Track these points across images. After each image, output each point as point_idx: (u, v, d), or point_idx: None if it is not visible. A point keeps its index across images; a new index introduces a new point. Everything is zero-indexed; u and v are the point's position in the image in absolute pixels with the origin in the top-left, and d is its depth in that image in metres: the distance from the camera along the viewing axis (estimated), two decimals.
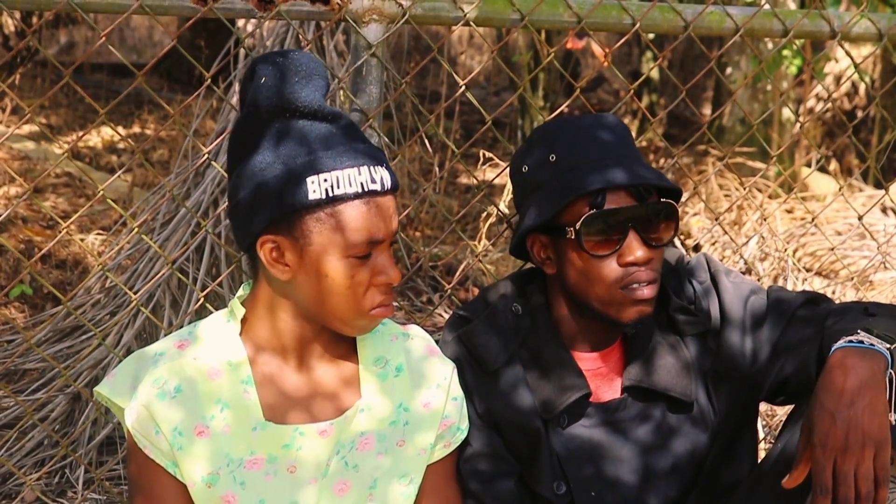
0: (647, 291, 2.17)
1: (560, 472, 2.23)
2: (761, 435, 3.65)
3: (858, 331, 2.00)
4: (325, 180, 1.89)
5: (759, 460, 2.33)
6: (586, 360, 2.27)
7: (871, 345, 1.96)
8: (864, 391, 1.90)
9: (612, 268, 2.16)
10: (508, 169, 2.35)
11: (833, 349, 1.99)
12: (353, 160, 1.92)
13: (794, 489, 1.96)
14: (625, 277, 2.16)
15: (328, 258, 1.92)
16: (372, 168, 1.93)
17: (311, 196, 1.89)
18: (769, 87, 7.83)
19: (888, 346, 1.96)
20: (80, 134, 2.50)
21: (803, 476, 1.94)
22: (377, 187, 1.93)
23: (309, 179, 1.89)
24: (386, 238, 1.96)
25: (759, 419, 3.70)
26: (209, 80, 2.59)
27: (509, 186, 5.13)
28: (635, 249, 2.15)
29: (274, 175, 1.90)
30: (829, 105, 8.41)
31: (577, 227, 2.15)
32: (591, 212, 2.13)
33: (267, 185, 1.91)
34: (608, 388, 2.28)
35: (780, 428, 3.71)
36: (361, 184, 1.91)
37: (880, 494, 1.88)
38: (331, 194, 1.90)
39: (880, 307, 2.16)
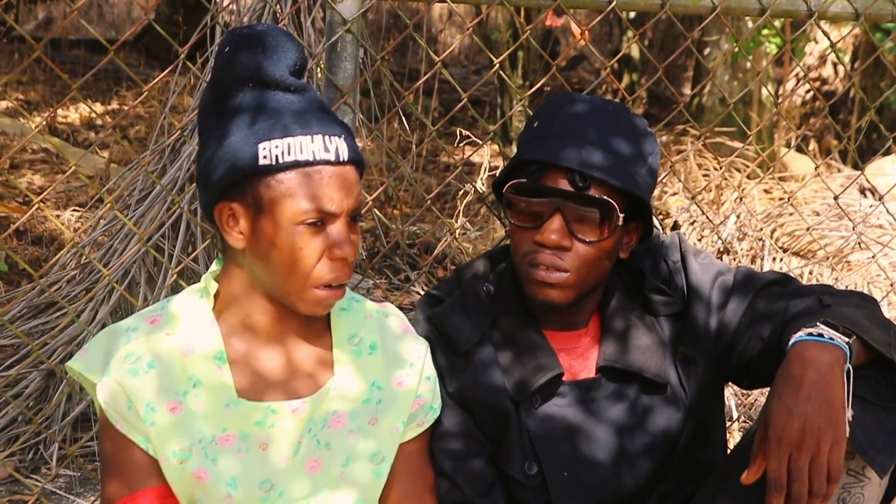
0: (543, 274, 2.15)
1: (532, 453, 2.22)
2: (735, 415, 3.66)
3: (818, 323, 1.99)
4: (277, 146, 1.89)
5: (734, 444, 2.33)
6: (560, 339, 2.27)
7: (831, 338, 1.95)
8: (822, 385, 1.89)
9: (524, 239, 2.17)
10: None
11: (792, 341, 1.98)
12: (307, 129, 1.91)
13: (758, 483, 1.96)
14: (529, 253, 2.16)
15: (277, 225, 1.91)
16: (327, 138, 1.93)
17: (262, 161, 1.89)
18: (749, 67, 7.83)
19: (847, 339, 1.96)
20: (53, 109, 2.48)
21: (761, 471, 1.92)
22: (330, 157, 1.92)
23: (261, 146, 1.89)
24: (340, 211, 1.94)
25: (734, 399, 3.73)
26: (184, 56, 2.57)
27: (486, 165, 5.14)
28: (549, 232, 2.13)
29: (227, 141, 1.91)
30: (808, 85, 8.41)
31: (504, 190, 2.19)
32: (520, 180, 2.16)
33: (223, 152, 1.91)
34: (582, 367, 2.28)
35: (755, 409, 3.72)
36: (313, 152, 1.91)
37: (830, 490, 1.87)
38: (280, 161, 1.89)
39: (836, 296, 2.16)
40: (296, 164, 1.90)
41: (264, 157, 1.89)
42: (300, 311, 2.01)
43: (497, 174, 2.22)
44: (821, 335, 1.96)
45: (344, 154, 1.94)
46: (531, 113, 2.30)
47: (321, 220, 1.93)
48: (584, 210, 2.13)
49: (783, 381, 1.93)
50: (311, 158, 1.90)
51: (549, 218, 2.13)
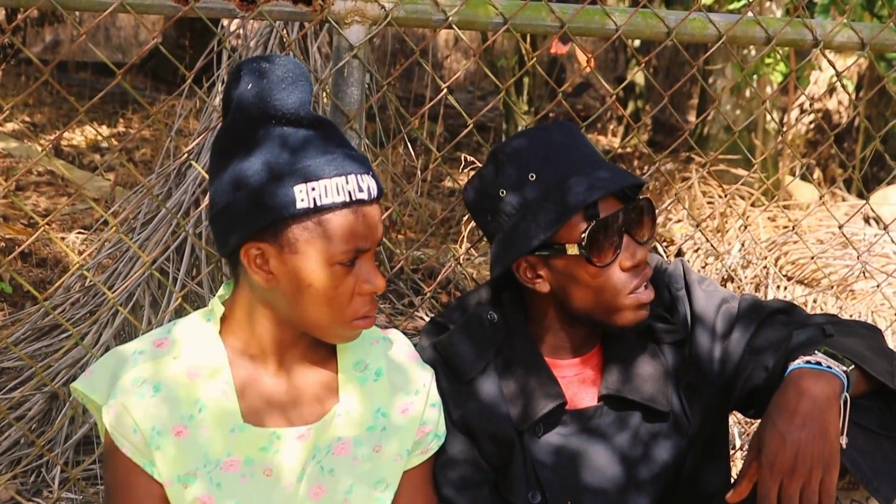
0: (650, 292, 2.18)
1: (535, 482, 2.21)
2: (738, 443, 3.65)
3: (816, 351, 2.00)
4: (313, 189, 1.88)
5: (737, 472, 2.33)
6: (563, 367, 2.26)
7: (829, 367, 1.96)
8: (817, 414, 1.90)
9: (617, 276, 2.14)
10: (471, 196, 2.29)
11: (790, 369, 1.99)
12: (341, 168, 1.90)
13: None
14: (631, 282, 2.15)
15: (313, 267, 1.91)
16: (359, 177, 1.92)
17: (299, 205, 1.87)
18: (752, 95, 7.85)
19: (845, 368, 1.97)
20: (60, 132, 2.49)
21: (747, 491, 1.94)
22: (364, 196, 1.92)
23: (297, 188, 1.87)
24: (371, 246, 1.95)
25: (738, 427, 3.72)
26: (190, 80, 2.59)
27: None
28: (634, 252, 2.14)
29: (260, 183, 1.88)
30: (812, 114, 8.43)
31: (583, 242, 2.12)
32: (593, 224, 2.11)
33: (252, 193, 1.89)
34: (585, 396, 2.27)
35: None
36: (349, 192, 1.90)
37: None
38: (318, 203, 1.88)
39: (839, 325, 2.16)
40: (333, 207, 1.89)
41: (301, 199, 1.87)
42: (328, 342, 2.02)
43: (526, 245, 2.16)
44: (818, 363, 1.97)
45: (374, 192, 1.94)
46: None
47: (354, 259, 1.93)
48: (641, 217, 2.16)
49: (778, 408, 1.94)
50: (347, 200, 1.89)
51: (621, 242, 2.14)
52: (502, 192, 2.19)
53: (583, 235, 2.11)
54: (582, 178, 2.13)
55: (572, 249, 2.12)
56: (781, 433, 1.90)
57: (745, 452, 3.29)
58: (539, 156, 2.18)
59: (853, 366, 1.98)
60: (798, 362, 1.99)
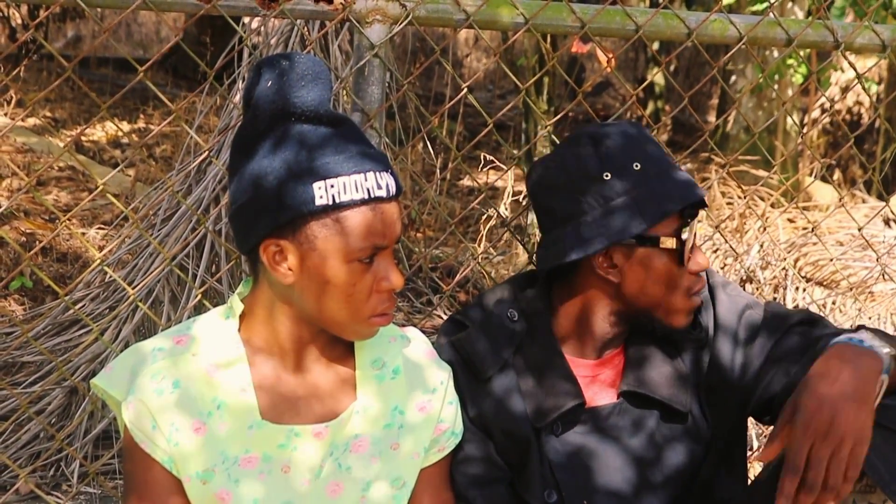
0: (700, 298, 2.22)
1: (552, 481, 2.21)
2: (755, 445, 3.64)
3: (861, 331, 2.02)
4: (332, 186, 1.88)
5: (754, 474, 2.33)
6: (584, 367, 2.26)
7: (871, 346, 1.97)
8: (859, 383, 1.91)
9: (686, 276, 2.17)
10: (559, 175, 2.23)
11: (832, 342, 2.01)
12: (360, 166, 1.91)
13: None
14: (695, 284, 2.18)
15: (331, 263, 1.91)
16: (378, 174, 1.92)
17: (318, 202, 1.88)
18: (774, 96, 7.82)
19: (888, 350, 1.97)
20: (82, 128, 2.51)
21: (777, 451, 1.95)
22: (383, 193, 1.92)
23: (315, 185, 1.88)
24: (390, 244, 1.96)
25: (754, 430, 3.71)
26: (212, 77, 2.59)
27: (510, 189, 5.14)
28: (699, 256, 2.16)
29: (279, 179, 1.89)
30: (833, 115, 8.39)
31: (683, 238, 2.14)
32: (689, 222, 2.14)
33: (271, 190, 1.90)
34: (604, 395, 2.27)
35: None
36: (368, 190, 1.91)
37: (844, 489, 1.89)
38: (337, 200, 1.88)
39: (869, 329, 2.17)
40: (352, 204, 1.90)
41: (320, 196, 1.87)
42: (346, 338, 2.03)
43: (627, 231, 2.14)
44: (861, 341, 1.99)
45: (393, 189, 1.94)
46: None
47: (373, 256, 1.94)
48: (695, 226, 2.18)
49: (819, 374, 1.95)
50: (366, 197, 1.90)
51: (692, 246, 2.16)
52: (607, 175, 2.15)
53: (683, 230, 2.14)
54: (677, 175, 2.15)
55: (667, 243, 2.13)
56: (820, 396, 1.91)
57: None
58: (638, 147, 2.18)
59: (894, 354, 1.99)
60: (841, 338, 2.01)
